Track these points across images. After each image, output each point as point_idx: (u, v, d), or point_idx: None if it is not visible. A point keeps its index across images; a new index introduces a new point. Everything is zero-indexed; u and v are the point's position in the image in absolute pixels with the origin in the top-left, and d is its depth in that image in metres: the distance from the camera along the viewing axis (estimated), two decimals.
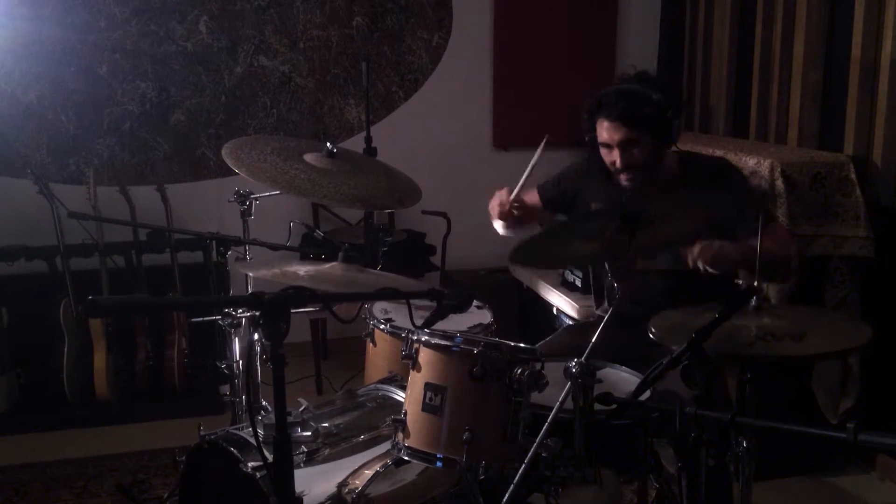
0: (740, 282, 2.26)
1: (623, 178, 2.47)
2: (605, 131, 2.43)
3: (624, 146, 2.41)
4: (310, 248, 3.14)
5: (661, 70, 4.54)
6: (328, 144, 2.41)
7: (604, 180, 2.59)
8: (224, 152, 2.31)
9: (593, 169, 2.62)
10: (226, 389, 2.62)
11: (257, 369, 2.54)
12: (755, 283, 1.92)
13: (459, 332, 2.14)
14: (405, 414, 1.97)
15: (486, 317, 2.64)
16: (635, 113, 2.38)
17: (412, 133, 4.40)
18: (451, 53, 4.42)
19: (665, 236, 2.16)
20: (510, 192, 2.62)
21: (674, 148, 2.55)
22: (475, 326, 2.56)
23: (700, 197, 2.41)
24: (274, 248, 2.59)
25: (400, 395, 2.27)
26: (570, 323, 3.59)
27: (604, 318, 2.00)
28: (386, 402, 2.29)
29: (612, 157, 2.45)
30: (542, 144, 2.57)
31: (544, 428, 1.84)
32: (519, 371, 1.90)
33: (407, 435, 1.95)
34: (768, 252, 2.02)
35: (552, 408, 1.86)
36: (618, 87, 2.45)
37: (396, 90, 4.41)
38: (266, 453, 1.58)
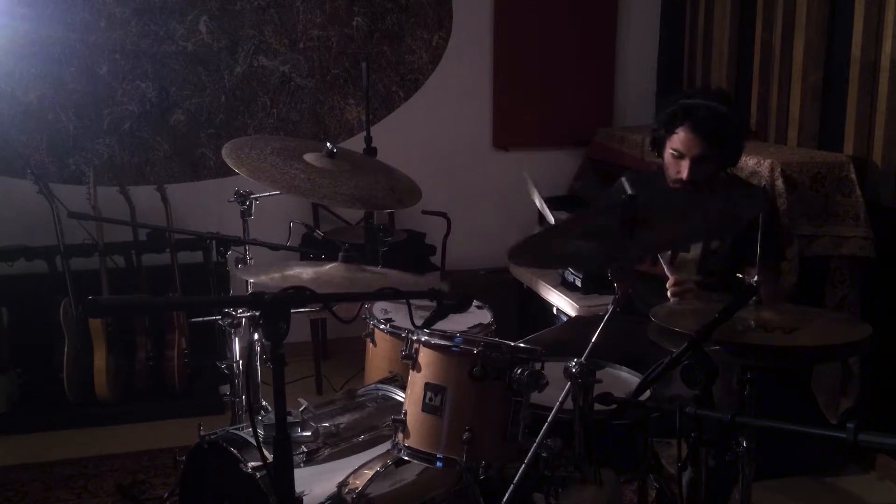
0: (740, 276, 2.26)
1: (679, 188, 2.51)
2: (682, 142, 2.45)
3: (698, 160, 2.44)
4: (310, 249, 3.14)
5: (661, 70, 4.54)
6: (328, 144, 2.41)
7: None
8: (224, 152, 2.31)
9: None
10: (226, 389, 2.62)
11: (257, 369, 2.54)
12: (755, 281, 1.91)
13: (459, 332, 2.14)
14: (405, 414, 1.97)
15: (486, 317, 2.64)
16: (719, 133, 2.44)
17: (412, 133, 4.40)
18: (451, 53, 4.42)
19: (664, 237, 2.15)
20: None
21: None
22: (475, 326, 2.56)
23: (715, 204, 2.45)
24: (274, 248, 2.59)
25: (400, 395, 2.27)
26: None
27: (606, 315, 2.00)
28: (386, 402, 2.29)
29: (679, 168, 2.48)
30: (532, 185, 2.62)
31: (544, 428, 1.84)
32: (519, 371, 1.90)
33: (407, 435, 1.95)
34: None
35: (552, 408, 1.87)
36: (706, 102, 2.47)
37: (396, 90, 4.41)
38: (266, 453, 1.59)
